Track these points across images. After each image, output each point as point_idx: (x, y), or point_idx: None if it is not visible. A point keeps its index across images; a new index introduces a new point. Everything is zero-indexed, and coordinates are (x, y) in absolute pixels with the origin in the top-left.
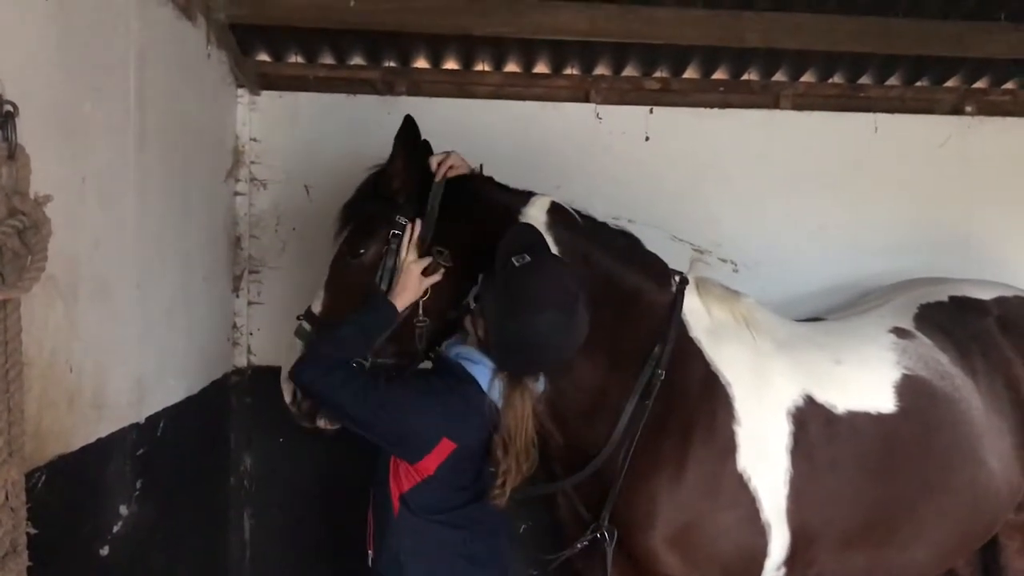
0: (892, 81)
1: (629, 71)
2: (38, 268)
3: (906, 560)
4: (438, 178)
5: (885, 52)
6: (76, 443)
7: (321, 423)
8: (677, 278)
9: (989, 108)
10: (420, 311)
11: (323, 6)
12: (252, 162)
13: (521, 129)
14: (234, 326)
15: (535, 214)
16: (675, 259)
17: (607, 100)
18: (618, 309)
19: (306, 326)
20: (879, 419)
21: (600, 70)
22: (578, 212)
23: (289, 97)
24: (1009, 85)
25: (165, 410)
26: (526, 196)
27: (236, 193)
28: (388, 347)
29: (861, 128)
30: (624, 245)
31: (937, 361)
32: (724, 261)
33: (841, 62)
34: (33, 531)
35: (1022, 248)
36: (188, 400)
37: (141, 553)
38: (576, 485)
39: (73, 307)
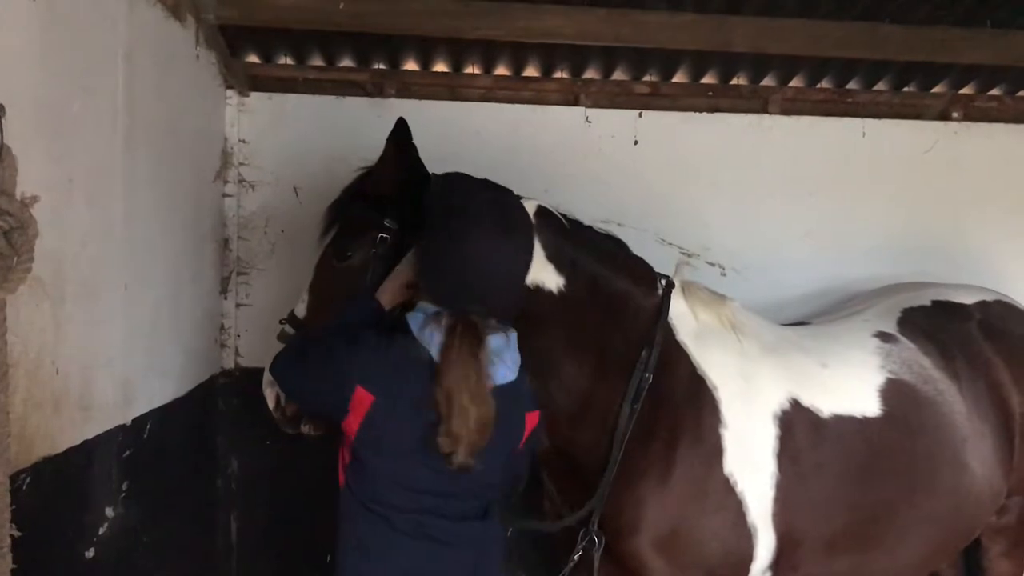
0: (880, 86)
1: (619, 75)
2: (24, 269)
3: (890, 563)
4: None
5: (873, 58)
6: (62, 445)
7: (305, 429)
8: (663, 282)
9: (976, 114)
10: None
11: (312, 8)
12: (241, 163)
13: (511, 132)
14: (222, 328)
15: None
16: (664, 263)
17: (597, 104)
18: (605, 313)
19: (289, 330)
20: (864, 423)
21: (590, 74)
22: (564, 216)
23: (278, 99)
24: (995, 91)
25: (152, 412)
26: None
27: (225, 195)
28: None
29: (849, 133)
30: (610, 249)
31: (920, 365)
32: (712, 265)
33: (830, 67)
34: (17, 533)
35: (1008, 253)
36: (175, 402)
37: (127, 555)
38: (562, 490)
39: (60, 308)
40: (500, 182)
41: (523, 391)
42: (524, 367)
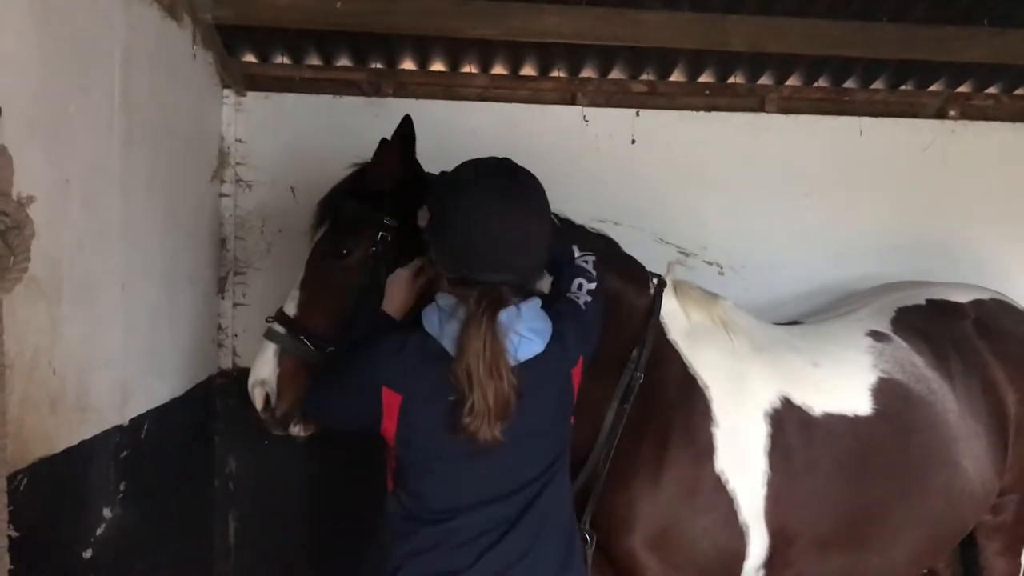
0: (877, 85)
1: (616, 74)
2: (20, 269)
3: (883, 561)
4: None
5: (870, 56)
6: (59, 445)
7: (294, 430)
8: (655, 280)
9: (972, 112)
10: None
11: (309, 7)
12: (238, 163)
13: (508, 131)
14: (219, 328)
15: None
16: (661, 262)
17: (594, 103)
18: None
19: (278, 328)
20: (855, 421)
21: (587, 73)
22: (556, 215)
23: (275, 98)
24: (992, 90)
25: (149, 412)
26: None
27: (221, 194)
28: None
29: (846, 131)
30: (601, 248)
31: (913, 364)
32: (710, 264)
33: (827, 66)
34: (15, 534)
35: (1005, 251)
36: (172, 402)
37: (124, 556)
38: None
39: (56, 308)
40: None
41: (558, 353)
42: (557, 321)
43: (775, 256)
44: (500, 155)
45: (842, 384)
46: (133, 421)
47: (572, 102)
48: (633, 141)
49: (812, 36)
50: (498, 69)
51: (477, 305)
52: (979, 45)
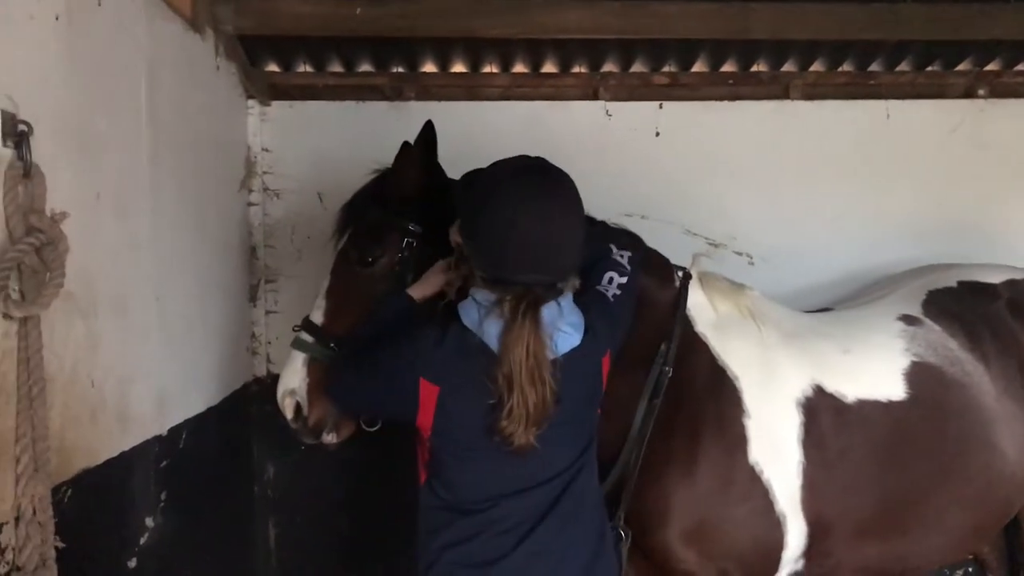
0: (903, 67)
1: (637, 67)
2: (56, 285)
3: (923, 547)
4: None
5: (895, 38)
6: (100, 457)
7: (327, 438)
8: (680, 273)
9: (1002, 90)
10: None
11: (329, 15)
12: (265, 172)
13: (531, 129)
14: (252, 335)
15: None
16: (690, 254)
17: (616, 97)
18: None
19: (305, 337)
20: (889, 407)
21: (608, 67)
22: None
23: (299, 106)
24: (1021, 67)
25: (187, 421)
26: None
27: (250, 203)
28: None
29: (873, 115)
30: (626, 244)
31: (946, 347)
32: (739, 254)
33: (851, 50)
34: (61, 545)
35: None
36: (209, 411)
37: (167, 564)
38: None
39: (92, 322)
40: None
41: (591, 345)
42: (587, 314)
43: (805, 244)
44: (524, 154)
45: (875, 369)
46: (172, 431)
47: (594, 97)
48: (657, 134)
49: (835, 21)
50: (519, 68)
51: (516, 307)
52: (1006, 22)
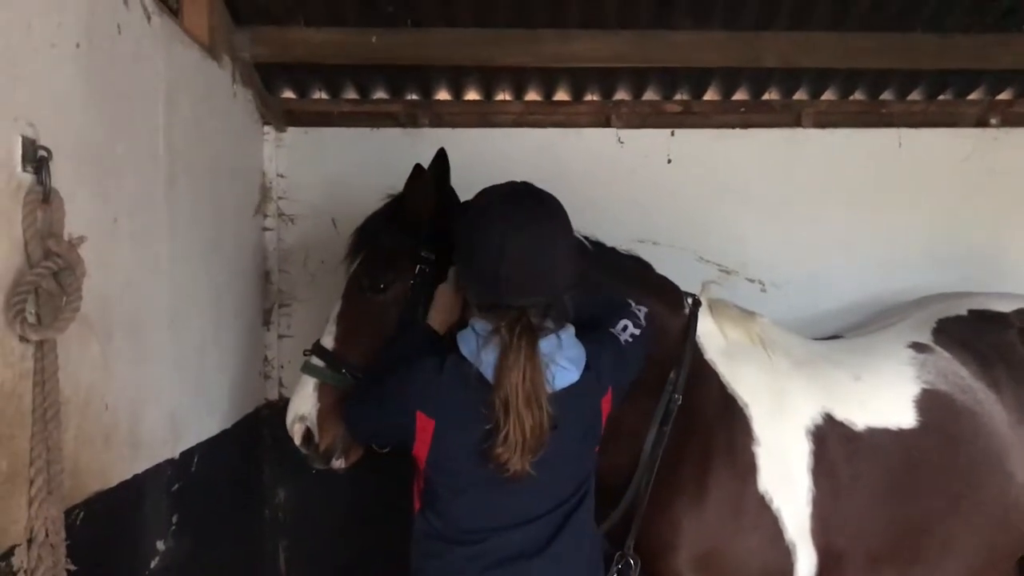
0: (915, 95)
1: (649, 95)
2: (73, 309)
3: None
4: None
5: (906, 67)
6: (113, 480)
7: (336, 464)
8: (690, 300)
9: (1014, 119)
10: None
11: (345, 43)
12: (280, 197)
13: (543, 156)
14: (265, 359)
15: None
16: (701, 281)
17: (628, 124)
18: None
19: (316, 361)
20: (900, 435)
21: (620, 95)
22: (587, 238)
23: (314, 133)
24: None
25: (199, 445)
26: None
27: (265, 228)
28: None
29: (885, 144)
30: (634, 270)
31: (957, 375)
32: (752, 281)
33: (862, 78)
34: (72, 567)
35: None
36: (222, 434)
37: None
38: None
39: (107, 345)
40: None
41: (591, 383)
42: (591, 352)
43: (817, 272)
44: (537, 180)
45: (885, 397)
46: (184, 454)
47: (607, 125)
48: (669, 161)
49: (846, 49)
50: (532, 95)
51: (511, 333)
52: (1018, 52)
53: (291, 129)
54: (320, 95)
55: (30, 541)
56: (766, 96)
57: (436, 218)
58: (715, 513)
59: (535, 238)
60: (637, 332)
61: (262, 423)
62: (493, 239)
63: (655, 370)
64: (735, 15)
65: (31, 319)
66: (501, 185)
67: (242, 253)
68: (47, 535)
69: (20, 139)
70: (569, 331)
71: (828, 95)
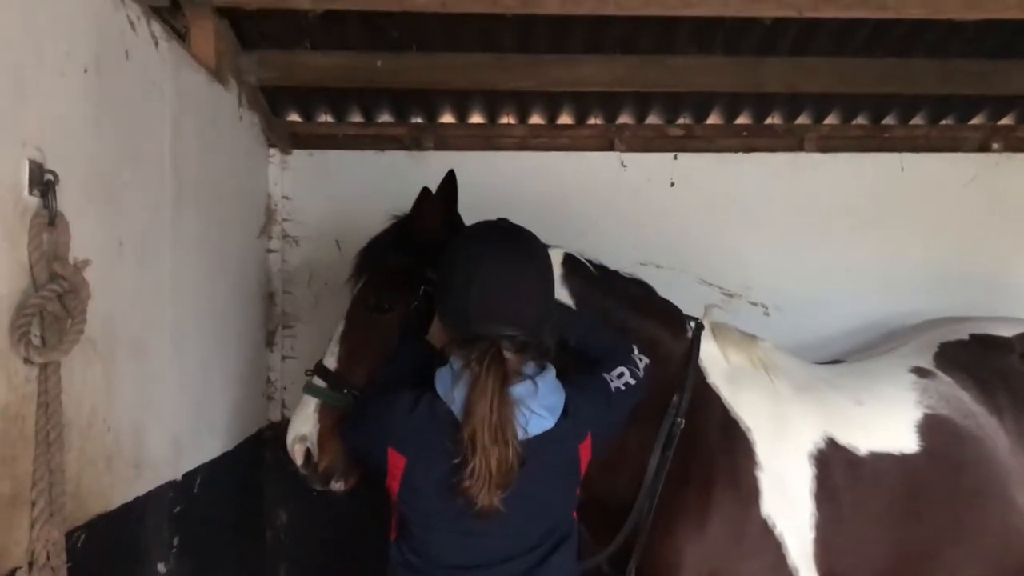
0: (917, 120)
1: (652, 119)
2: (77, 331)
3: None
4: None
5: (908, 92)
6: (115, 502)
7: (336, 486)
8: (692, 324)
9: (1017, 144)
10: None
11: (350, 66)
12: (284, 219)
13: (547, 179)
14: (268, 381)
15: None
16: (704, 304)
17: (631, 148)
18: None
19: (317, 382)
20: (902, 460)
21: (623, 119)
22: (591, 262)
23: (319, 155)
24: None
25: (201, 467)
26: None
27: (269, 250)
28: None
29: (887, 168)
30: (638, 294)
31: (959, 399)
32: (754, 304)
33: (865, 103)
34: None
35: None
36: (224, 456)
37: None
38: (596, 537)
39: (111, 367)
40: (537, 229)
41: (568, 431)
42: (571, 398)
43: (820, 295)
44: (541, 204)
45: (887, 422)
46: (186, 476)
47: (610, 148)
48: (672, 184)
49: (848, 75)
50: (536, 119)
51: (480, 364)
52: (1020, 77)
53: (296, 152)
54: (325, 118)
55: (31, 564)
56: (769, 120)
57: (442, 239)
58: (718, 538)
59: (505, 264)
60: (632, 382)
61: (264, 445)
62: (464, 267)
63: (658, 393)
64: (737, 41)
65: (36, 341)
66: (478, 224)
67: (246, 274)
68: (48, 557)
69: (27, 163)
70: (548, 376)
71: (831, 119)
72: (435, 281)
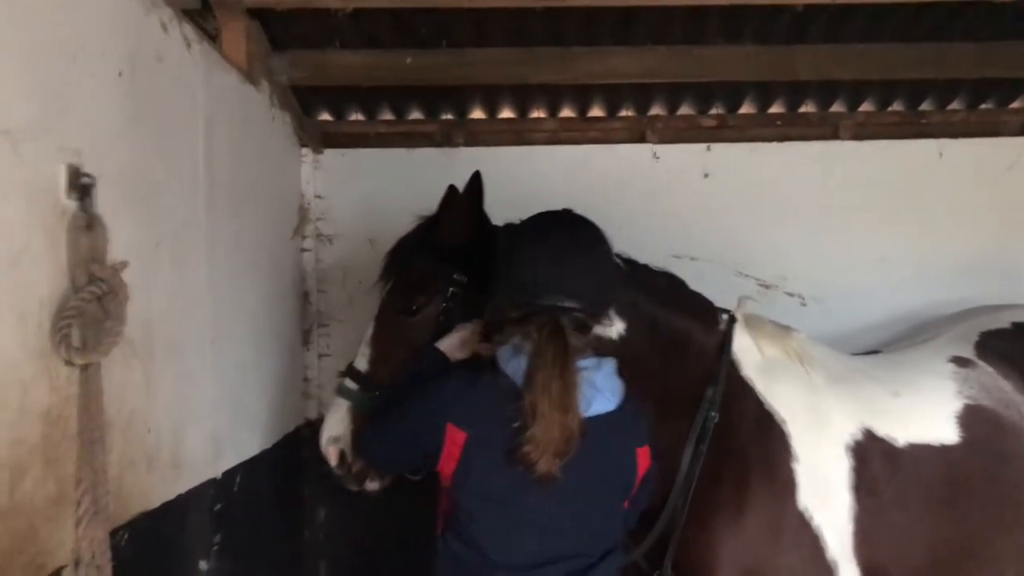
0: (954, 105)
1: (685, 110)
2: (116, 333)
3: None
4: None
5: (945, 77)
6: (156, 501)
7: (371, 486)
8: (725, 317)
9: None
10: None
11: (380, 65)
12: (318, 219)
13: (579, 173)
14: (305, 379)
15: None
16: (741, 295)
17: (664, 139)
18: (666, 355)
19: (349, 384)
20: (942, 451)
21: (655, 110)
22: (619, 256)
23: (351, 154)
24: None
25: (240, 465)
26: None
27: (303, 249)
28: None
29: (925, 155)
30: (668, 287)
31: (1001, 389)
32: (791, 295)
33: (900, 89)
34: None
35: None
36: (262, 454)
37: None
38: (634, 534)
39: (149, 368)
40: None
41: (628, 423)
42: (631, 398)
43: (857, 285)
44: (573, 197)
45: (926, 413)
46: (226, 474)
47: (642, 140)
48: (706, 175)
49: (883, 61)
50: (566, 112)
51: (540, 333)
52: None
53: (328, 151)
54: (356, 117)
55: (77, 562)
56: (802, 109)
57: (470, 240)
58: (754, 531)
59: (567, 239)
60: None
61: (302, 442)
62: (526, 249)
63: (691, 386)
64: (767, 29)
65: (76, 343)
66: (540, 212)
67: (281, 274)
68: (93, 556)
69: (65, 167)
70: (609, 365)
71: (866, 106)
72: (497, 265)
